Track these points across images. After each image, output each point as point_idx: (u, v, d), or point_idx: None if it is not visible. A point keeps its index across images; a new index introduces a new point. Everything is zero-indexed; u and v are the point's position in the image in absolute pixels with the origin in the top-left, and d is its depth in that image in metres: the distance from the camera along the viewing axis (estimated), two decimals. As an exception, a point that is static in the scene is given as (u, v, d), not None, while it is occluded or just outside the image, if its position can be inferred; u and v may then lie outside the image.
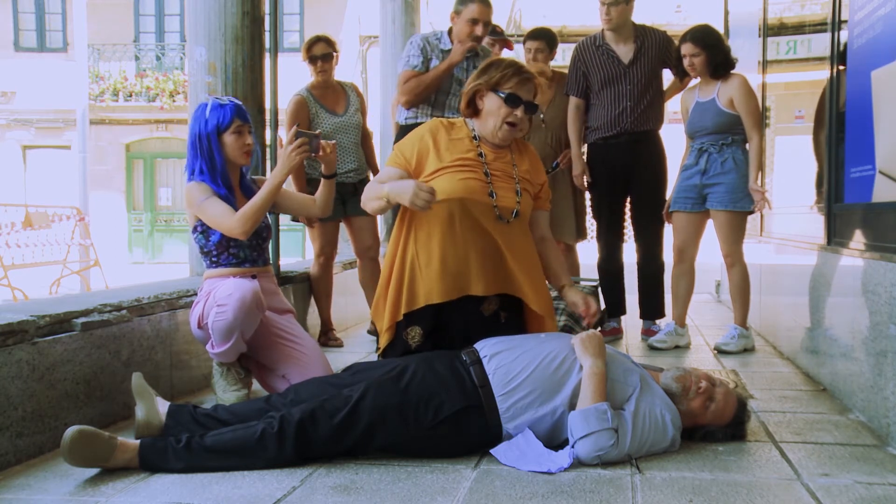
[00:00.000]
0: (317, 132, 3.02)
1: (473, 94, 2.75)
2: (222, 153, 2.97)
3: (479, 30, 3.97)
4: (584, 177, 4.38)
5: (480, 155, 2.71)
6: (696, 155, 4.04)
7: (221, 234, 2.95)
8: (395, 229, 2.76)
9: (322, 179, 3.12)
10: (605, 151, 4.33)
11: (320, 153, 2.99)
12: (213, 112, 2.96)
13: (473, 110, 2.78)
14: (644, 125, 4.31)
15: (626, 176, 4.34)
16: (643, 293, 4.47)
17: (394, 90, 5.52)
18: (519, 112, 2.67)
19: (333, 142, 3.08)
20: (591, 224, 4.68)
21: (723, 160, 3.96)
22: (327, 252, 4.38)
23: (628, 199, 4.43)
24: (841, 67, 3.27)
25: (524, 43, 4.51)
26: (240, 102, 3.07)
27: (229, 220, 2.89)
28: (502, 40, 4.46)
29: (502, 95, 2.66)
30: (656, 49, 4.30)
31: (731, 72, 4.01)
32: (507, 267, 2.70)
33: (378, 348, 2.83)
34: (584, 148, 4.47)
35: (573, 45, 4.56)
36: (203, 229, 2.98)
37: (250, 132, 3.04)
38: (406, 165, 2.71)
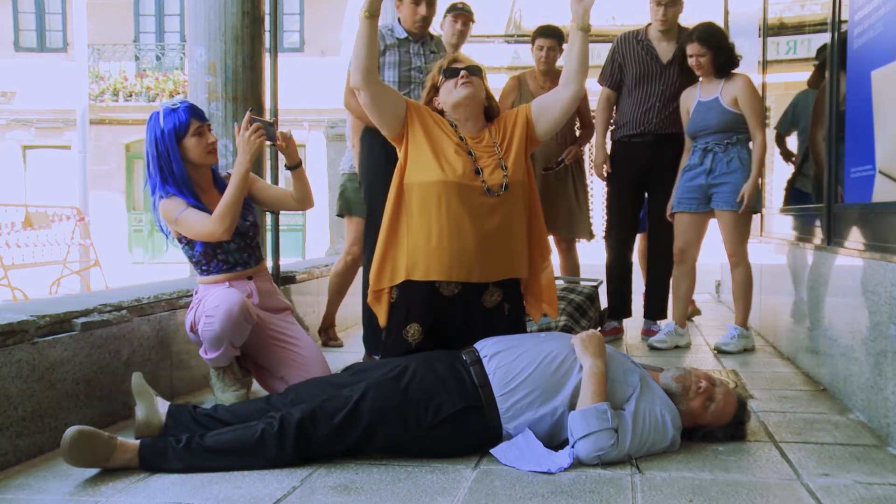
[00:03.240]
0: (272, 120, 2.95)
1: (431, 103, 2.84)
2: (181, 161, 2.85)
3: (422, 9, 3.75)
4: (605, 167, 4.37)
5: (461, 139, 2.75)
6: (701, 155, 4.02)
7: (204, 243, 2.90)
8: (388, 212, 2.76)
9: (290, 172, 3.04)
10: (628, 150, 4.34)
11: (278, 142, 2.92)
12: (168, 118, 2.83)
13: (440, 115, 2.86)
14: (670, 127, 4.29)
15: (645, 176, 4.34)
16: (649, 293, 4.47)
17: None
18: (463, 74, 2.75)
19: (289, 130, 3.04)
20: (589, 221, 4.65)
21: (728, 159, 3.94)
22: (354, 251, 4.28)
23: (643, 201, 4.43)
24: (841, 68, 3.27)
25: (533, 41, 4.49)
26: (192, 103, 2.96)
27: (206, 225, 2.81)
28: (464, 14, 4.38)
29: (443, 76, 2.79)
30: None
31: (734, 71, 4.00)
32: (501, 249, 2.71)
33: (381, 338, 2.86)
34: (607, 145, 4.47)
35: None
36: (187, 241, 2.92)
37: (210, 129, 2.94)
38: (405, 100, 2.80)
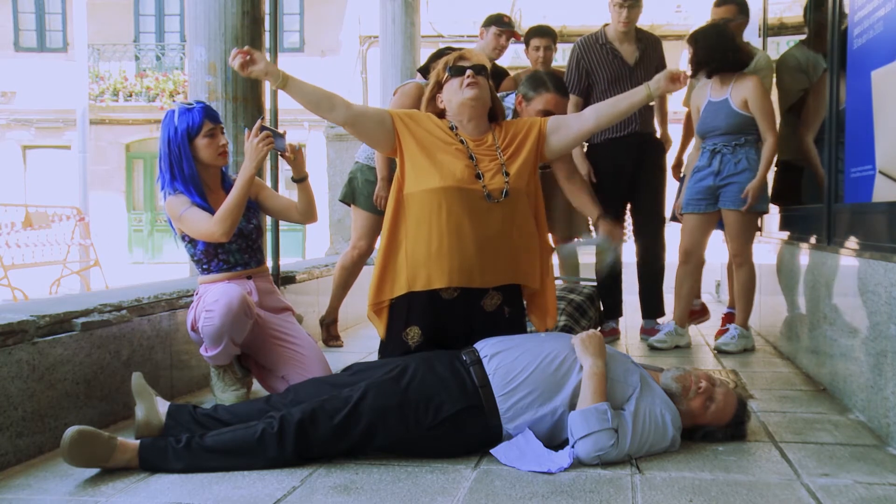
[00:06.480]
0: (282, 131, 2.98)
1: (432, 101, 2.80)
2: (192, 160, 2.91)
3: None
4: (590, 175, 4.37)
5: (462, 142, 2.73)
6: (709, 156, 3.99)
7: (205, 242, 2.92)
8: (386, 224, 2.75)
9: (296, 184, 3.07)
10: (612, 151, 4.33)
11: (287, 153, 2.95)
12: (182, 117, 2.89)
13: (440, 115, 2.82)
14: (649, 127, 4.33)
15: (630, 177, 4.34)
16: (644, 293, 4.46)
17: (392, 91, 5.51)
18: (469, 73, 2.71)
19: (298, 143, 3.05)
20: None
21: (736, 161, 3.92)
22: (361, 246, 4.23)
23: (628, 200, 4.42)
24: (841, 68, 3.27)
25: (527, 41, 4.51)
26: (208, 104, 3.01)
27: (207, 225, 2.84)
28: (509, 31, 4.43)
29: (449, 74, 2.75)
30: (655, 52, 4.32)
31: (744, 72, 3.98)
32: (502, 254, 2.70)
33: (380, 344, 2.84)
34: (586, 148, 4.46)
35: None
36: (190, 239, 2.96)
37: (223, 132, 2.99)
38: (390, 114, 2.76)
